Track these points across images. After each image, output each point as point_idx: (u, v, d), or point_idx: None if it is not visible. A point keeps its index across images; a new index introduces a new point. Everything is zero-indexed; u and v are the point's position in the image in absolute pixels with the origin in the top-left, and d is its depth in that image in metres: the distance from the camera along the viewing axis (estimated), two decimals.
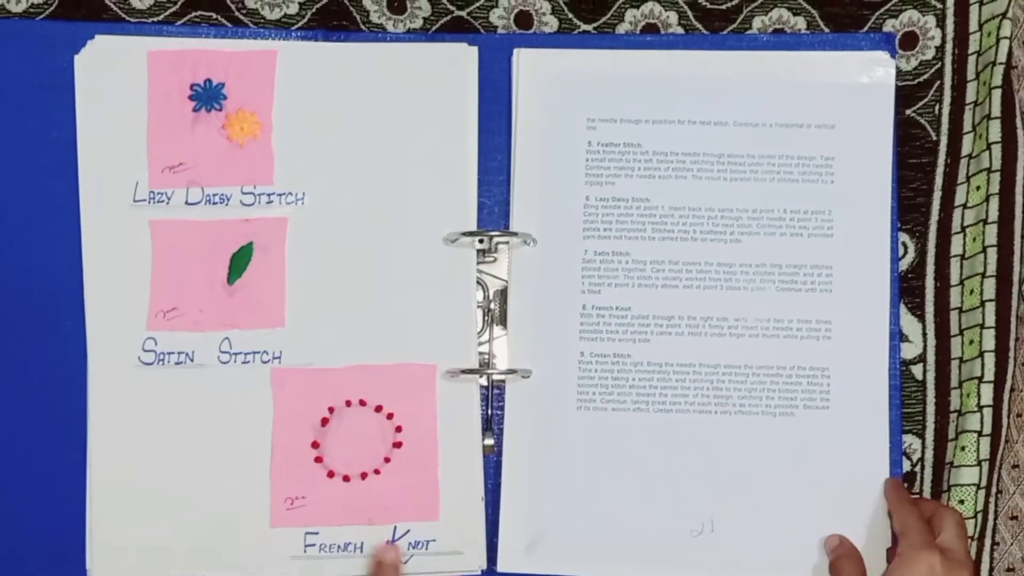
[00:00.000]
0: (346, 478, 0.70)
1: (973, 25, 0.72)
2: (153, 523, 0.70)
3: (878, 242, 0.71)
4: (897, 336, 0.71)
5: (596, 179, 0.72)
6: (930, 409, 0.72)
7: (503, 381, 0.71)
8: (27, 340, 0.70)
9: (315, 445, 0.70)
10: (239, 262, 0.70)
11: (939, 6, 0.73)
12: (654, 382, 0.71)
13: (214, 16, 0.72)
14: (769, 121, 0.72)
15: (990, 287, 0.70)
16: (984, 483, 0.69)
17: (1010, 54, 0.70)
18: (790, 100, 0.72)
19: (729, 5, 0.73)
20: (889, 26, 0.73)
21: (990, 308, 0.70)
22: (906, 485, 0.71)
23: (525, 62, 0.72)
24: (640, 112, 0.72)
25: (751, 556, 0.70)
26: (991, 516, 0.70)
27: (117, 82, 0.71)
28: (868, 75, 0.72)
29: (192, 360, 0.70)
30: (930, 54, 0.73)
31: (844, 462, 0.70)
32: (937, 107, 0.73)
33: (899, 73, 0.73)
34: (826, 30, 0.73)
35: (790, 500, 0.70)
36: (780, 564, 0.70)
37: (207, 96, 0.71)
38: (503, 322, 0.72)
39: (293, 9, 0.73)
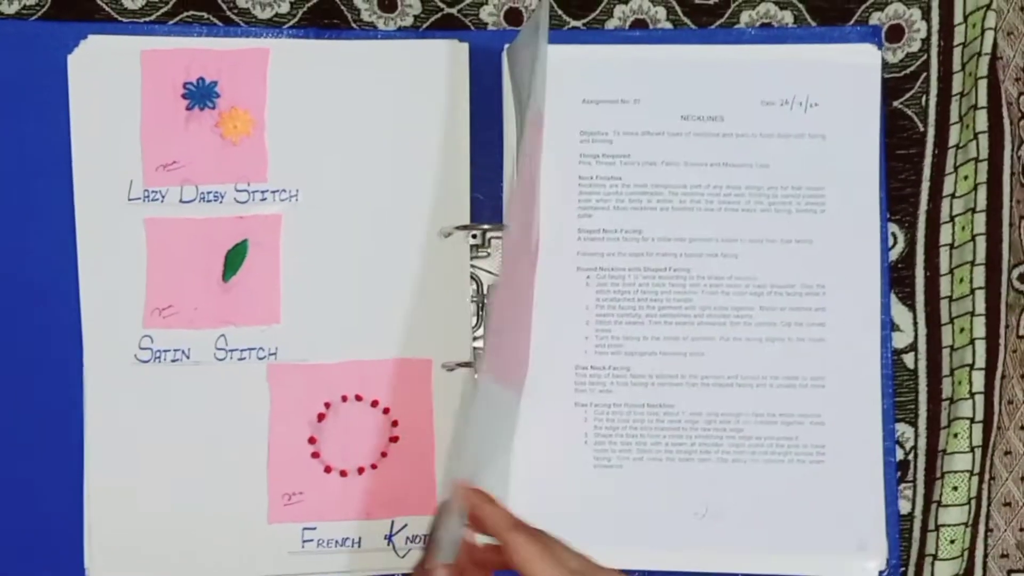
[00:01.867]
0: (343, 473, 0.70)
1: (958, 17, 0.73)
2: (151, 521, 0.70)
3: (868, 231, 0.72)
4: (888, 326, 0.72)
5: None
6: (922, 398, 0.73)
7: None
8: (23, 339, 0.70)
9: (312, 441, 0.70)
10: (234, 259, 0.71)
11: None
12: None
13: (206, 16, 0.73)
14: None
15: (979, 275, 0.70)
16: (977, 469, 0.69)
17: (995, 45, 0.71)
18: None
19: (716, 0, 0.74)
20: (875, 19, 0.74)
21: (980, 296, 0.70)
22: (899, 474, 0.72)
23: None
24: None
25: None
26: (984, 503, 0.70)
27: (110, 82, 0.71)
28: (854, 69, 0.72)
29: (188, 357, 0.70)
30: (916, 46, 0.74)
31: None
32: (924, 98, 0.74)
33: (885, 65, 0.73)
34: (813, 24, 0.74)
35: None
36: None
37: (200, 94, 0.71)
38: None
39: (284, 8, 0.73)
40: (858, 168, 0.72)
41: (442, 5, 0.74)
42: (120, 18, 0.72)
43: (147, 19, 0.72)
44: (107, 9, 0.72)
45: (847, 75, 0.72)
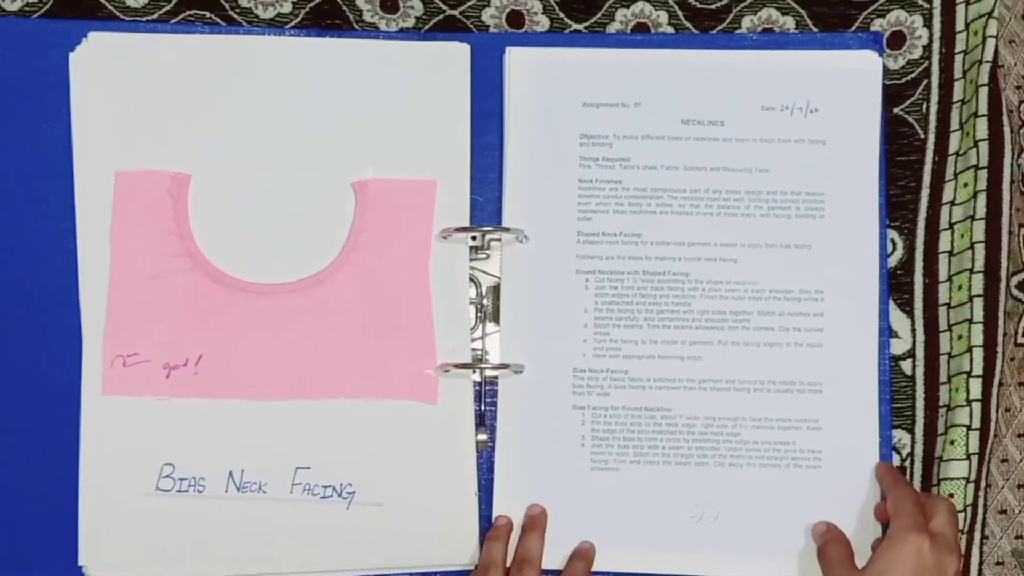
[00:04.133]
0: None
1: (960, 24, 0.73)
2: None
3: (867, 237, 0.72)
4: (886, 332, 0.72)
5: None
6: (919, 404, 0.73)
7: (496, 377, 0.71)
8: (21, 339, 0.70)
9: None
10: None
11: (926, 6, 0.74)
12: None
13: (208, 15, 0.73)
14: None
15: (978, 283, 0.70)
16: (973, 477, 0.69)
17: (996, 53, 0.71)
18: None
19: (718, 5, 0.74)
20: (877, 25, 0.74)
21: (978, 303, 0.70)
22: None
23: (516, 60, 0.73)
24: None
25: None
26: (980, 510, 0.70)
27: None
28: (855, 74, 0.72)
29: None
30: (917, 53, 0.74)
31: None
32: (924, 105, 0.74)
33: (886, 72, 0.73)
34: (814, 30, 0.74)
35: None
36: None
37: None
38: (496, 318, 0.72)
39: (287, 8, 0.73)
40: (858, 174, 0.72)
41: (444, 7, 0.74)
42: (122, 16, 0.72)
43: (149, 18, 0.73)
44: (109, 7, 0.72)
45: (848, 81, 0.72)
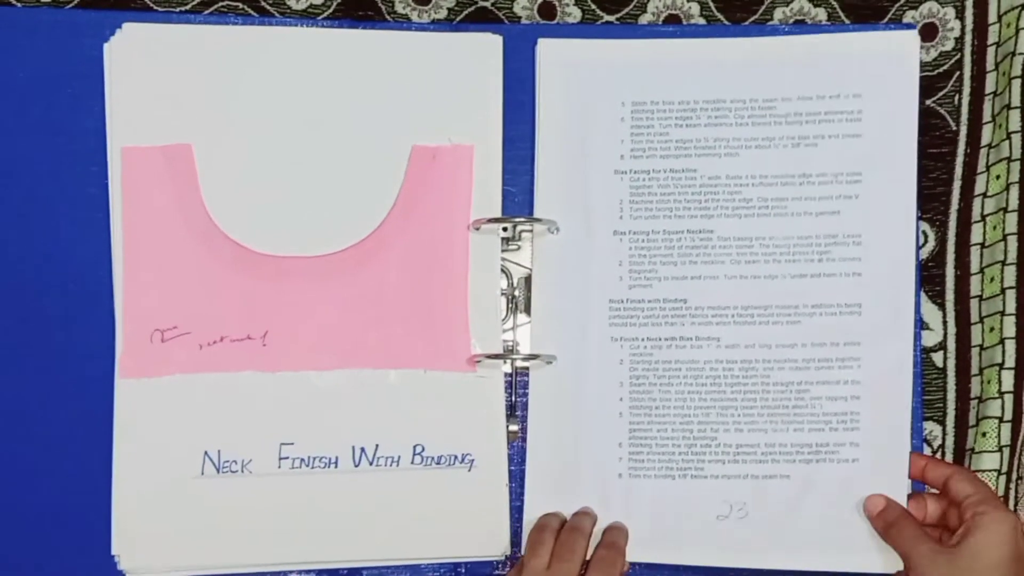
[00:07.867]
0: None
1: (992, 16, 0.73)
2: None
3: (904, 227, 0.71)
4: (918, 324, 0.72)
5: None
6: (950, 396, 0.73)
7: (527, 368, 0.72)
8: (54, 330, 0.71)
9: None
10: None
11: None
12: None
13: (241, 6, 0.73)
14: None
15: (1010, 275, 0.70)
16: (1005, 469, 0.69)
17: None
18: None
19: None
20: (909, 17, 0.74)
21: (1010, 296, 0.70)
22: None
23: (548, 52, 0.73)
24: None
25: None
26: (1012, 502, 0.70)
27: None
28: (893, 56, 0.72)
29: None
30: (949, 45, 0.74)
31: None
32: (957, 97, 0.74)
33: (919, 64, 0.73)
34: (846, 21, 0.74)
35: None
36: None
37: None
38: (527, 309, 0.72)
39: None
40: (895, 156, 0.71)
41: None
42: (156, 7, 0.73)
43: (182, 8, 0.73)
44: None
45: (885, 62, 0.72)
